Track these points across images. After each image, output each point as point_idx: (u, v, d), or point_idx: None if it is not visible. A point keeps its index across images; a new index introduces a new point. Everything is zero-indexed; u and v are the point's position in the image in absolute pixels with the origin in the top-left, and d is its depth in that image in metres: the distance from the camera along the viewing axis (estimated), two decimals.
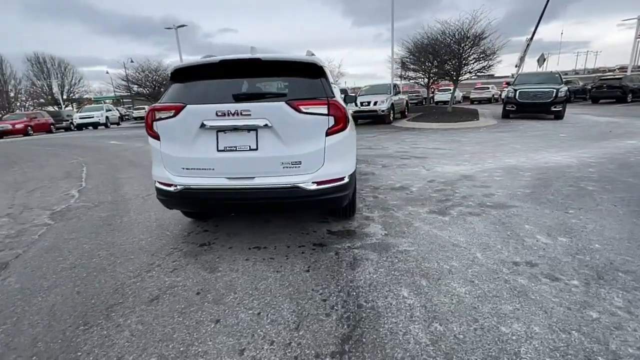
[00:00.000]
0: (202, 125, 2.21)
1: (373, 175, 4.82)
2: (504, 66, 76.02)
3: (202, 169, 2.30)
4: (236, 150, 2.25)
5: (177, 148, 2.33)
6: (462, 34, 13.15)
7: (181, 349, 1.59)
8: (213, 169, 2.29)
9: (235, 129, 2.23)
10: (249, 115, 2.18)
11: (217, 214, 3.32)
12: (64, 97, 38.52)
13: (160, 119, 2.32)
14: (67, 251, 2.73)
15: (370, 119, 13.12)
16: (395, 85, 14.09)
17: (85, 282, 2.23)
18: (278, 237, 2.80)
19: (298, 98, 2.22)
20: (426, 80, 19.18)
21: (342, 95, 4.94)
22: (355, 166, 2.66)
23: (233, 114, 2.18)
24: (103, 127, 20.73)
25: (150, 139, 2.44)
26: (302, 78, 2.37)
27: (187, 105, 2.25)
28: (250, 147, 2.24)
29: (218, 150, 2.27)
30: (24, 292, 2.16)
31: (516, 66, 29.75)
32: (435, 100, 26.45)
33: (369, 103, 12.31)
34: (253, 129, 2.22)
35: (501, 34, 13.00)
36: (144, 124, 2.59)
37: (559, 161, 5.13)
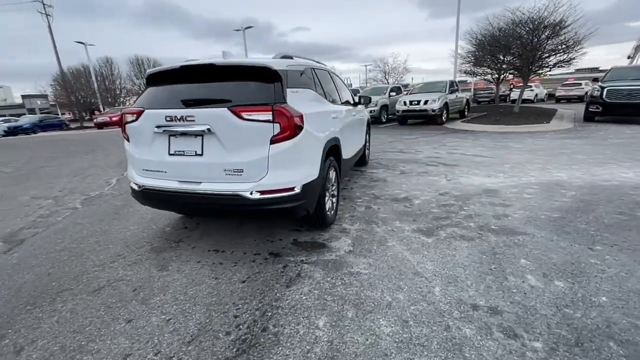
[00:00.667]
0: (156, 129, 2.30)
1: (384, 182, 4.49)
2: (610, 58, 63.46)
3: (157, 171, 2.41)
4: (184, 154, 2.29)
5: (139, 150, 2.47)
6: (538, 22, 11.34)
7: (82, 343, 1.69)
8: (165, 172, 2.38)
9: (183, 134, 2.27)
10: (193, 121, 2.19)
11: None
12: None
13: (127, 122, 2.49)
14: (69, 235, 3.13)
15: (420, 119, 12.27)
16: (452, 83, 12.87)
17: (60, 266, 2.53)
18: (242, 242, 2.79)
19: (241, 104, 2.16)
20: (496, 76, 17.06)
21: (357, 96, 4.72)
22: (315, 175, 2.48)
23: (179, 119, 2.22)
24: None
25: (125, 141, 2.63)
26: (254, 82, 2.29)
27: (145, 110, 2.36)
28: (196, 152, 2.26)
29: (169, 154, 2.34)
30: (15, 267, 2.55)
31: (629, 57, 24.66)
32: (511, 98, 23.53)
33: (418, 102, 11.51)
34: (199, 134, 2.23)
35: (588, 21, 10.81)
36: None
37: (627, 179, 4.10)
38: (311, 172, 2.44)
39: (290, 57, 2.87)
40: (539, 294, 1.92)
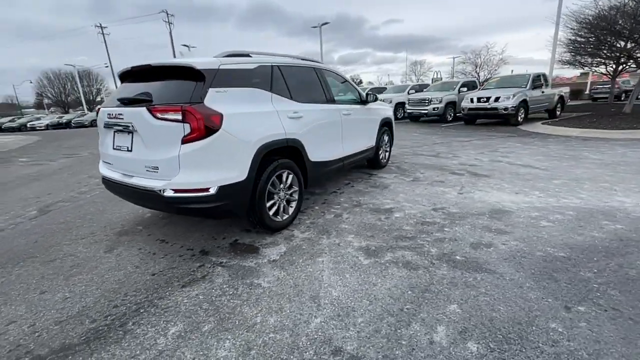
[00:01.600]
0: (104, 125, 2.56)
1: (382, 189, 4.06)
2: None
3: (108, 162, 2.68)
4: (121, 149, 2.49)
5: (100, 143, 2.78)
6: None
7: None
8: (112, 164, 2.62)
9: (121, 130, 2.46)
10: (122, 118, 2.35)
11: None
12: None
13: (97, 117, 2.82)
14: (77, 211, 3.74)
15: (491, 119, 10.66)
16: (538, 77, 10.71)
17: (47, 236, 3.04)
18: (191, 236, 2.90)
19: (158, 103, 2.22)
20: (612, 67, 13.48)
21: (369, 94, 4.38)
22: (241, 177, 2.39)
23: (114, 117, 2.41)
24: None
25: None
26: (179, 82, 2.33)
27: (101, 107, 2.64)
28: (127, 147, 2.43)
29: (113, 148, 2.57)
30: (23, 232, 3.17)
31: None
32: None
33: (487, 99, 10.00)
34: (130, 131, 2.39)
35: None
36: None
37: None
38: (233, 174, 2.36)
39: (246, 55, 2.81)
40: (431, 354, 1.49)
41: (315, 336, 1.63)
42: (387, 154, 5.29)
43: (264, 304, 1.91)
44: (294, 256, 2.46)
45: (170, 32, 39.11)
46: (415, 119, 13.30)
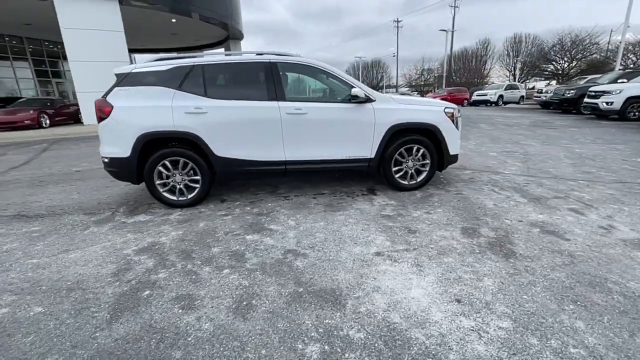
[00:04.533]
0: None
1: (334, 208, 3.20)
2: None
3: None
4: None
5: None
6: None
7: None
8: None
9: None
10: None
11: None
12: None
13: None
14: (100, 177, 5.66)
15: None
16: None
17: (47, 195, 5.16)
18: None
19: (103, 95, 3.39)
20: None
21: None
22: (124, 154, 3.13)
23: None
24: (493, 105, 21.36)
25: None
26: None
27: None
28: None
29: None
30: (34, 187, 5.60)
31: None
32: None
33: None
34: None
35: None
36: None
37: None
38: (117, 150, 3.17)
39: (174, 58, 3.32)
40: None
41: None
42: (421, 176, 3.70)
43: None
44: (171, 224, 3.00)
45: (454, 17, 39.24)
46: None
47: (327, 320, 1.69)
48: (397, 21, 51.25)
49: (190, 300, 1.90)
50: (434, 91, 32.02)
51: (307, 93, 3.82)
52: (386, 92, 42.23)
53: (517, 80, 39.91)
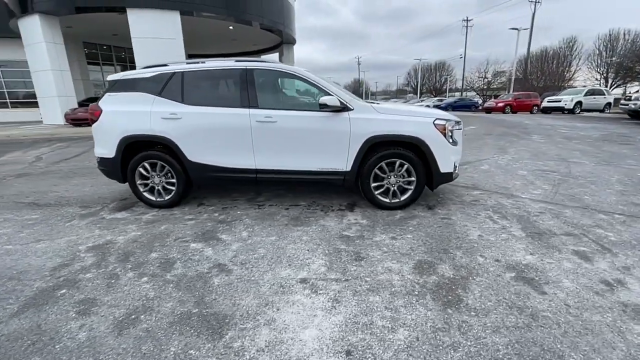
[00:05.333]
0: None
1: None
2: None
3: None
4: None
5: None
6: None
7: None
8: None
9: None
10: None
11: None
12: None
13: None
14: None
15: None
16: None
17: (57, 183, 5.61)
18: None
19: None
20: None
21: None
22: (109, 155, 3.41)
23: None
24: (568, 112, 18.32)
25: None
26: None
27: None
28: None
29: None
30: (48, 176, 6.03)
31: None
32: None
33: None
34: None
35: None
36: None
37: None
38: (105, 151, 3.44)
39: (163, 65, 3.47)
40: None
41: None
42: (406, 195, 3.30)
43: None
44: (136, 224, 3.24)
45: (533, 14, 35.22)
46: None
47: (191, 351, 1.56)
48: (467, 20, 47.79)
49: (90, 305, 1.93)
50: (496, 97, 29.05)
51: (285, 101, 3.70)
52: (450, 96, 39.27)
53: (609, 85, 34.16)
